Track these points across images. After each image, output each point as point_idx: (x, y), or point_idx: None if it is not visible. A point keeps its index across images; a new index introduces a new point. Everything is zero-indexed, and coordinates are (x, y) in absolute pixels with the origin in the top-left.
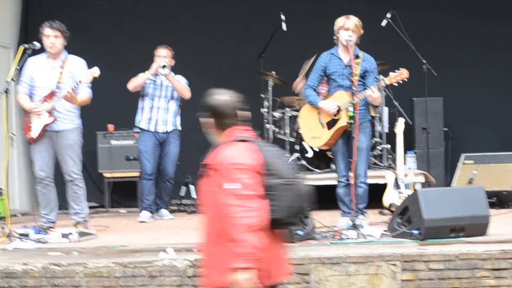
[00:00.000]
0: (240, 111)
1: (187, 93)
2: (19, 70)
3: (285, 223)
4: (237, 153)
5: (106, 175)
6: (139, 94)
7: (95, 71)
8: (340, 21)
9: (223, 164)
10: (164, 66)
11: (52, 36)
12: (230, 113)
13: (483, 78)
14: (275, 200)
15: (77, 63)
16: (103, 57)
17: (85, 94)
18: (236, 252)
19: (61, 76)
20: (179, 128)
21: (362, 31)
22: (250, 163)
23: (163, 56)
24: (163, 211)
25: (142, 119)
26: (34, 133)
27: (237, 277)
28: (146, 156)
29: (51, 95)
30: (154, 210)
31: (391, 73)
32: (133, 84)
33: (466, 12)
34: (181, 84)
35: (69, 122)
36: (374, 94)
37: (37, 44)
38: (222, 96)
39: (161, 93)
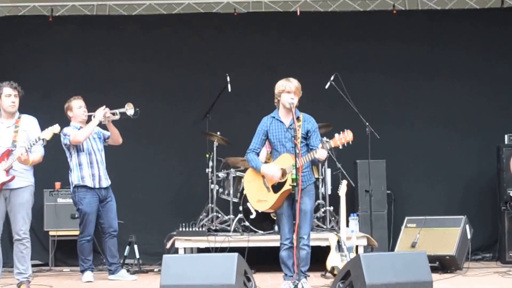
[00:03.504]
0: None
1: (120, 138)
2: None
3: None
4: None
5: (51, 233)
6: (69, 151)
7: (55, 128)
8: (281, 84)
9: None
10: (114, 114)
11: (13, 95)
12: None
13: (425, 140)
14: None
15: (30, 121)
16: (49, 114)
17: (38, 153)
18: None
19: (16, 134)
20: None
21: (301, 93)
22: None
23: (84, 106)
24: (123, 272)
25: (85, 176)
26: None
27: None
28: (91, 218)
29: (7, 153)
30: (94, 268)
31: (336, 135)
32: (84, 135)
33: (408, 73)
34: (116, 130)
35: (24, 180)
36: (320, 154)
37: None
38: None
39: (93, 147)
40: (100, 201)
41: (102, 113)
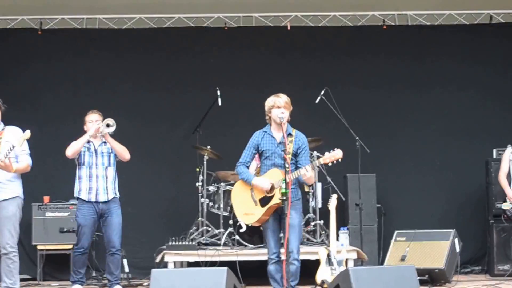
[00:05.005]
0: None
1: (127, 155)
2: None
3: None
4: None
5: (40, 247)
6: (75, 163)
7: (26, 134)
8: (271, 100)
9: None
10: (108, 125)
11: None
12: None
13: (415, 154)
14: None
15: (13, 131)
16: (38, 127)
17: (23, 162)
18: None
19: None
20: (118, 194)
21: (291, 108)
22: None
23: (95, 120)
24: None
25: (81, 189)
26: None
27: None
28: (85, 230)
29: None
30: (85, 282)
31: (326, 153)
32: (72, 149)
33: (397, 88)
34: (120, 145)
35: (9, 191)
36: (308, 173)
37: None
38: None
39: (97, 161)
40: (100, 216)
41: (94, 128)
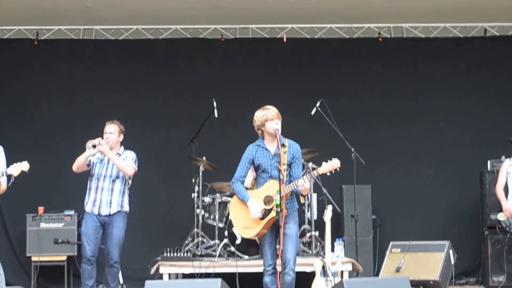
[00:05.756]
0: None
1: (129, 170)
2: None
3: None
4: None
5: (34, 258)
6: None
7: (24, 166)
8: (262, 114)
9: None
10: (94, 146)
11: None
12: None
13: (410, 166)
14: None
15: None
16: (33, 137)
17: (3, 184)
18: None
19: None
20: (126, 209)
21: (281, 118)
22: None
23: (109, 132)
24: None
25: (88, 201)
26: None
27: None
28: (86, 239)
29: None
30: None
31: (324, 163)
32: (76, 164)
33: (392, 100)
34: (122, 162)
35: None
36: (306, 184)
37: None
38: None
39: (106, 173)
40: (102, 226)
41: (89, 144)
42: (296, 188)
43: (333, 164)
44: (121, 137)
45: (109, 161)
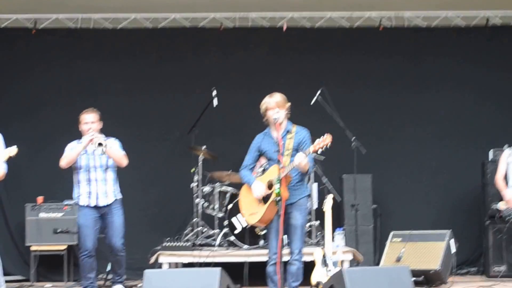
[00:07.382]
0: None
1: (124, 161)
2: None
3: None
4: None
5: (33, 248)
6: (72, 167)
7: (12, 150)
8: (264, 102)
9: None
10: (100, 144)
11: None
12: None
13: (411, 155)
14: None
15: None
16: (32, 126)
17: (2, 170)
18: None
19: None
20: (120, 196)
21: (288, 104)
22: None
23: (90, 122)
24: (118, 287)
25: (81, 194)
26: None
27: None
28: (86, 232)
29: None
30: (96, 287)
31: (316, 140)
32: (66, 160)
33: (394, 89)
34: (118, 153)
35: None
36: (302, 160)
37: None
38: None
39: (95, 163)
40: (101, 216)
41: (87, 139)
42: (295, 168)
43: (324, 140)
44: (101, 125)
45: (94, 151)
